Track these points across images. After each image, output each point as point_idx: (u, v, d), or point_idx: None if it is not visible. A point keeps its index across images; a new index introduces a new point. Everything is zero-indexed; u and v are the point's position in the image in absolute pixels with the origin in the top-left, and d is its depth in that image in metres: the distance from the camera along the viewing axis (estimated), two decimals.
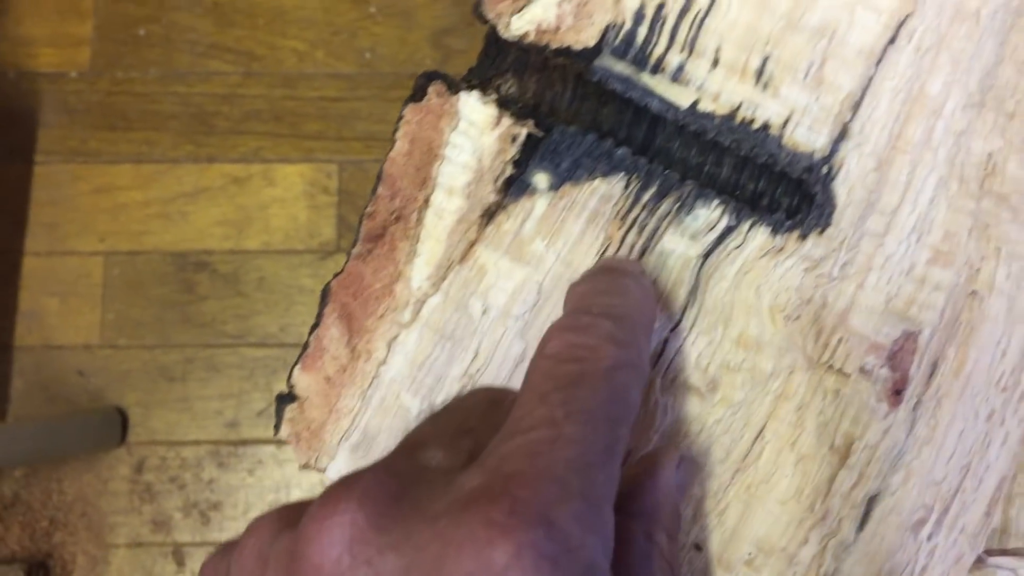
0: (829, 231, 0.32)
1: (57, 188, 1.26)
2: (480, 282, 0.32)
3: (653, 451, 0.29)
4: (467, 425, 0.26)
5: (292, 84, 1.28)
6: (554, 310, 0.32)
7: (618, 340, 0.25)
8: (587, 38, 0.32)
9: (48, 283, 1.24)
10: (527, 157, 0.32)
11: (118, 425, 1.20)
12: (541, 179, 0.32)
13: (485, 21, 0.32)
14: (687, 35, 0.32)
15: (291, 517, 0.23)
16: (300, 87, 1.28)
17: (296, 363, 0.33)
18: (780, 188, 0.32)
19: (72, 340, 1.23)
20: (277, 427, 0.33)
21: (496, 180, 0.32)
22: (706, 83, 0.32)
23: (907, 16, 0.32)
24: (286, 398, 0.33)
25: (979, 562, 0.32)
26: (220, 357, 1.23)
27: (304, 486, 1.19)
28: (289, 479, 1.20)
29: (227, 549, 0.24)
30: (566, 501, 0.21)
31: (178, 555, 1.20)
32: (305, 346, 0.33)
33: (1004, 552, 0.33)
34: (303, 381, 0.33)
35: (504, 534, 0.20)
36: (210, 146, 1.27)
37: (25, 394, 1.22)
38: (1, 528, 1.19)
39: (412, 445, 0.25)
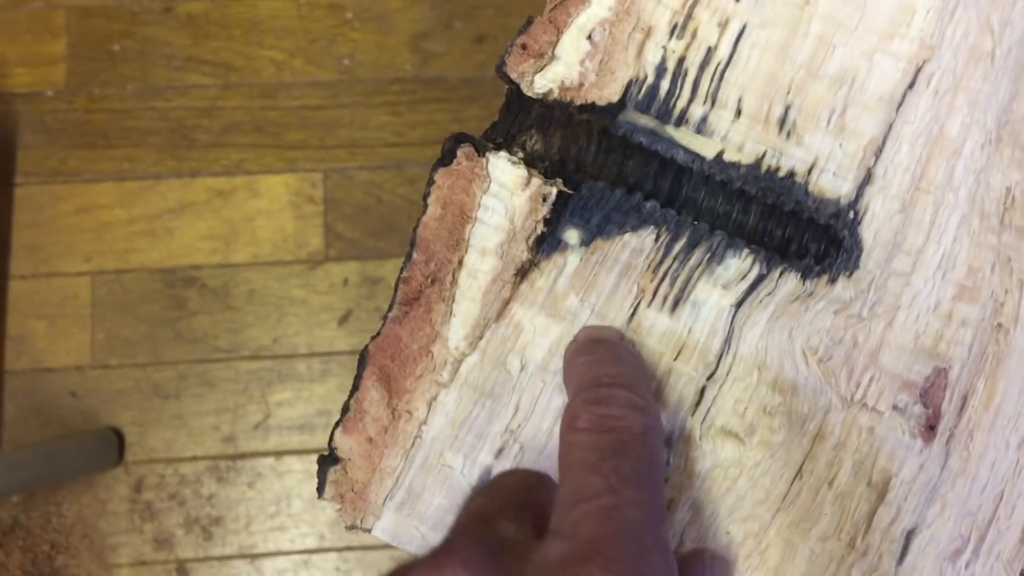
0: (857, 273, 0.32)
1: (39, 210, 1.25)
2: (517, 339, 0.32)
3: (682, 555, 0.31)
4: (523, 502, 0.28)
5: (272, 94, 1.28)
6: None
7: (639, 406, 0.28)
8: (610, 94, 0.33)
9: (35, 306, 1.23)
10: (557, 214, 0.32)
11: (114, 445, 1.20)
12: (572, 235, 0.32)
13: (508, 80, 0.33)
14: (709, 87, 0.33)
15: None
16: (280, 97, 1.28)
17: (337, 426, 0.33)
18: (808, 234, 0.32)
19: (63, 362, 1.22)
20: (320, 489, 0.33)
21: (528, 239, 0.32)
22: (730, 133, 0.33)
23: (925, 61, 0.32)
24: (328, 460, 0.33)
25: None
26: (214, 372, 1.22)
27: (305, 496, 1.19)
28: (289, 490, 1.20)
29: None
30: (648, 556, 0.24)
31: (182, 571, 1.20)
32: (345, 409, 0.33)
33: None
34: (345, 443, 0.33)
35: None
36: (192, 160, 1.26)
37: (18, 419, 1.22)
38: (2, 554, 1.18)
39: (482, 518, 0.27)
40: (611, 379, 0.29)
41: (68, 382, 1.22)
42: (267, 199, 1.25)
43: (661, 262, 0.32)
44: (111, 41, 1.28)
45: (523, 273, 0.32)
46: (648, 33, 0.33)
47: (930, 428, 0.32)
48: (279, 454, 1.21)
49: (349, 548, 1.18)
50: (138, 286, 1.24)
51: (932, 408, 0.32)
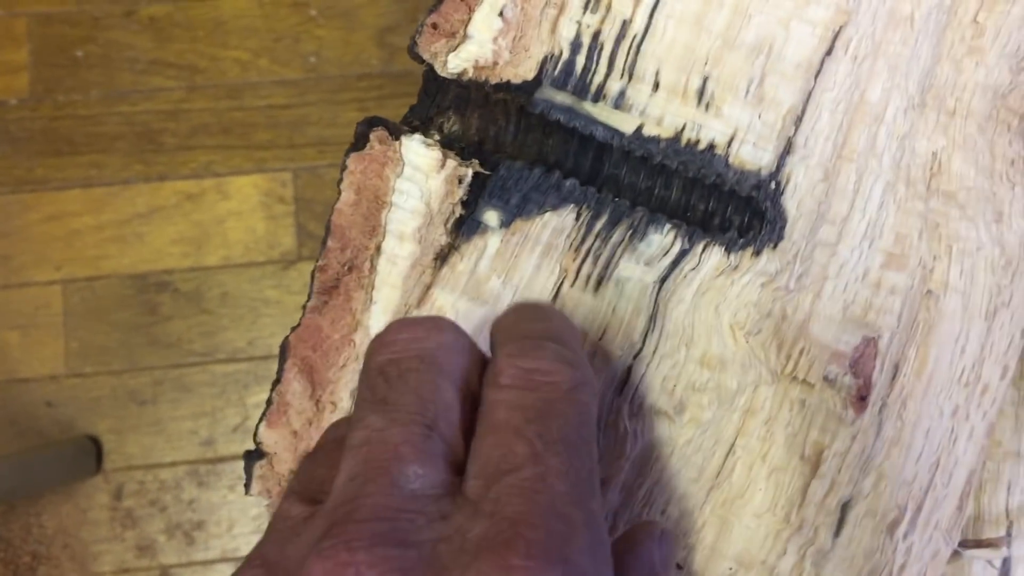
0: (782, 245, 0.32)
1: (7, 219, 1.24)
2: None
3: (632, 528, 0.28)
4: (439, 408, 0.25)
5: (238, 94, 1.27)
6: None
7: (567, 359, 0.25)
8: (525, 71, 0.32)
9: (7, 316, 1.22)
10: (475, 196, 0.32)
11: (92, 454, 1.19)
12: (491, 217, 0.32)
13: (421, 61, 0.32)
14: (625, 61, 0.32)
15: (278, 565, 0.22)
16: (246, 97, 1.27)
17: (261, 420, 0.32)
18: (730, 207, 0.32)
19: (37, 372, 1.22)
20: (248, 485, 0.33)
21: (446, 222, 0.31)
22: (648, 107, 0.32)
23: (842, 26, 0.32)
24: (254, 455, 0.33)
25: (955, 555, 0.33)
26: (190, 376, 1.22)
27: None
28: None
29: None
30: (574, 536, 0.21)
31: None
32: (268, 402, 0.32)
33: (979, 543, 0.33)
34: (270, 437, 0.32)
35: None
36: (160, 164, 1.25)
37: None
38: None
39: (382, 469, 0.23)
40: (538, 334, 0.26)
41: (43, 392, 1.21)
42: (237, 200, 1.25)
43: (583, 241, 0.32)
44: (74, 47, 1.27)
45: (443, 257, 0.32)
46: (561, 8, 0.32)
47: (861, 399, 0.31)
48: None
49: None
50: (110, 293, 1.23)
51: (863, 378, 0.31)
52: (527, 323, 0.27)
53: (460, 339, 0.26)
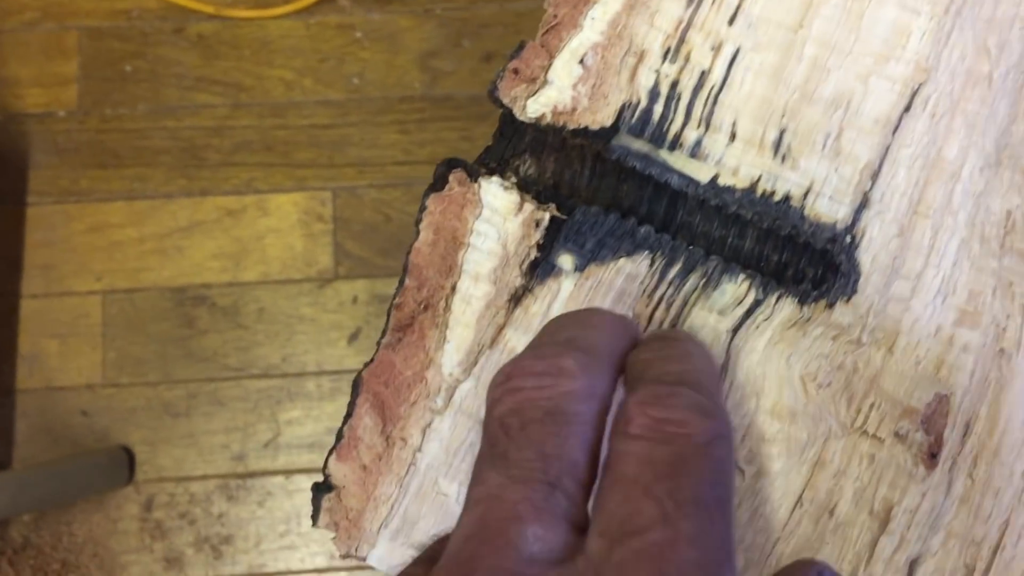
0: (856, 299, 0.32)
1: (51, 229, 1.26)
2: None
3: (785, 569, 0.26)
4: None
5: (281, 113, 1.28)
6: None
7: (703, 408, 0.23)
8: (604, 118, 0.32)
9: (47, 325, 1.24)
10: (551, 239, 0.32)
11: (125, 464, 1.20)
12: (566, 260, 0.32)
13: (501, 105, 0.32)
14: (703, 111, 0.32)
15: None
16: (290, 116, 1.28)
17: (330, 453, 0.33)
18: (804, 259, 0.32)
19: (74, 381, 1.23)
20: (315, 517, 0.33)
21: (522, 264, 0.32)
22: (724, 157, 0.32)
23: (921, 84, 0.32)
24: (323, 487, 0.33)
25: None
26: (224, 390, 1.23)
27: None
28: (299, 509, 1.20)
29: None
30: None
31: None
32: (339, 436, 0.33)
33: None
34: (339, 471, 0.33)
35: None
36: (202, 179, 1.27)
37: (29, 437, 1.22)
38: (13, 573, 1.19)
39: (503, 527, 0.22)
40: (674, 377, 0.24)
41: (79, 401, 1.23)
42: (276, 218, 1.26)
43: (656, 287, 0.32)
44: (123, 62, 1.29)
45: (517, 299, 0.32)
46: (641, 57, 0.32)
47: (932, 456, 0.31)
48: (289, 472, 1.20)
49: (359, 567, 1.17)
50: (149, 305, 1.24)
51: (934, 435, 0.31)
52: (664, 363, 0.26)
53: (592, 382, 0.24)
